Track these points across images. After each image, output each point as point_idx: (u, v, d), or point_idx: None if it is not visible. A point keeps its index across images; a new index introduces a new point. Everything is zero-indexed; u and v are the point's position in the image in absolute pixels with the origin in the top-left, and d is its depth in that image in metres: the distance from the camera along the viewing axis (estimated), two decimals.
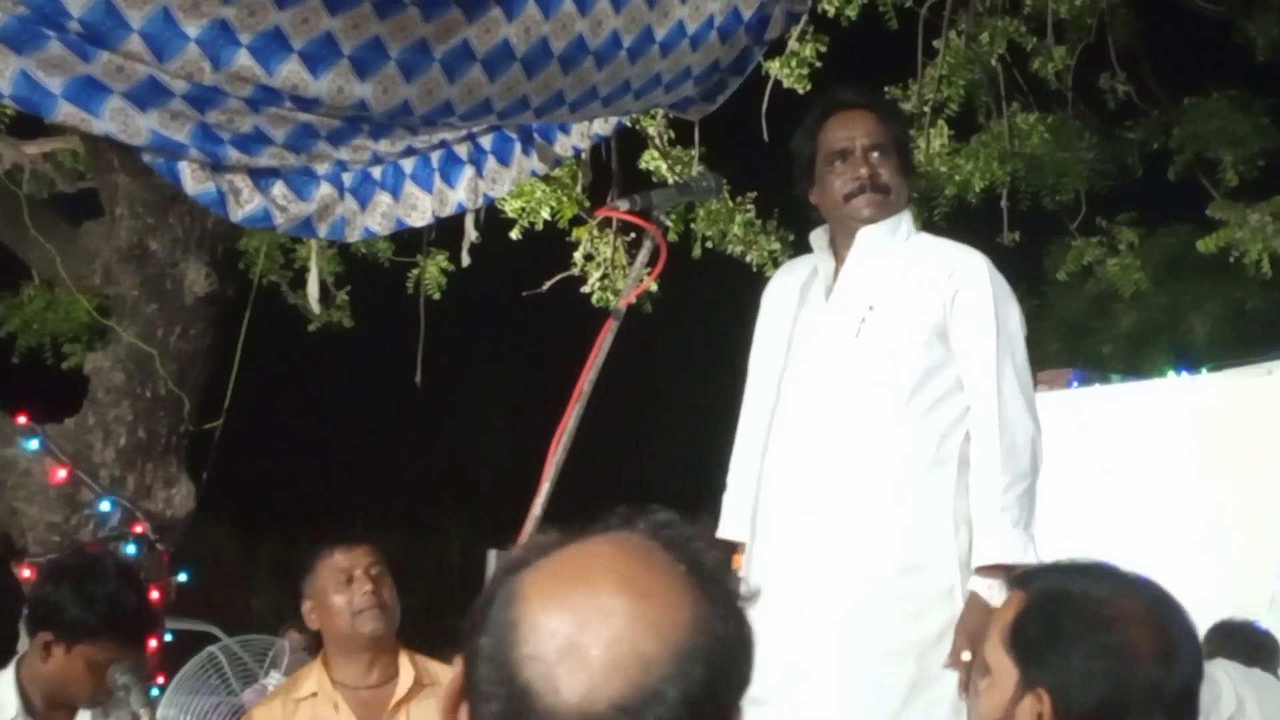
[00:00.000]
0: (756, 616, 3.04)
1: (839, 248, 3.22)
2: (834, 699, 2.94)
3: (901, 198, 3.22)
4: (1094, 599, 1.89)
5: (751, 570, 3.14)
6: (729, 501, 3.32)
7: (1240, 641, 5.11)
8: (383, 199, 4.00)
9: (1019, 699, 1.88)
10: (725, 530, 3.30)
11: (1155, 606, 1.90)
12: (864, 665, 2.95)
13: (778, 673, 2.95)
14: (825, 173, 3.19)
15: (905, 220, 3.23)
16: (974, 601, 2.92)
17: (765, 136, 7.23)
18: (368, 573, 3.29)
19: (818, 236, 3.27)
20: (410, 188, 4.06)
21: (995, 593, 2.89)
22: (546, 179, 8.07)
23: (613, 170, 7.91)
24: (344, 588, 3.28)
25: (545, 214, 8.57)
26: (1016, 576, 2.09)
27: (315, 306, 7.13)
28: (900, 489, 3.02)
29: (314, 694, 3.28)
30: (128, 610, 3.10)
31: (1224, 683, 4.87)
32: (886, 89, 8.67)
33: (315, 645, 5.92)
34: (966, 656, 2.87)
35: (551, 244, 8.92)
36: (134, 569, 3.85)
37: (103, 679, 3.09)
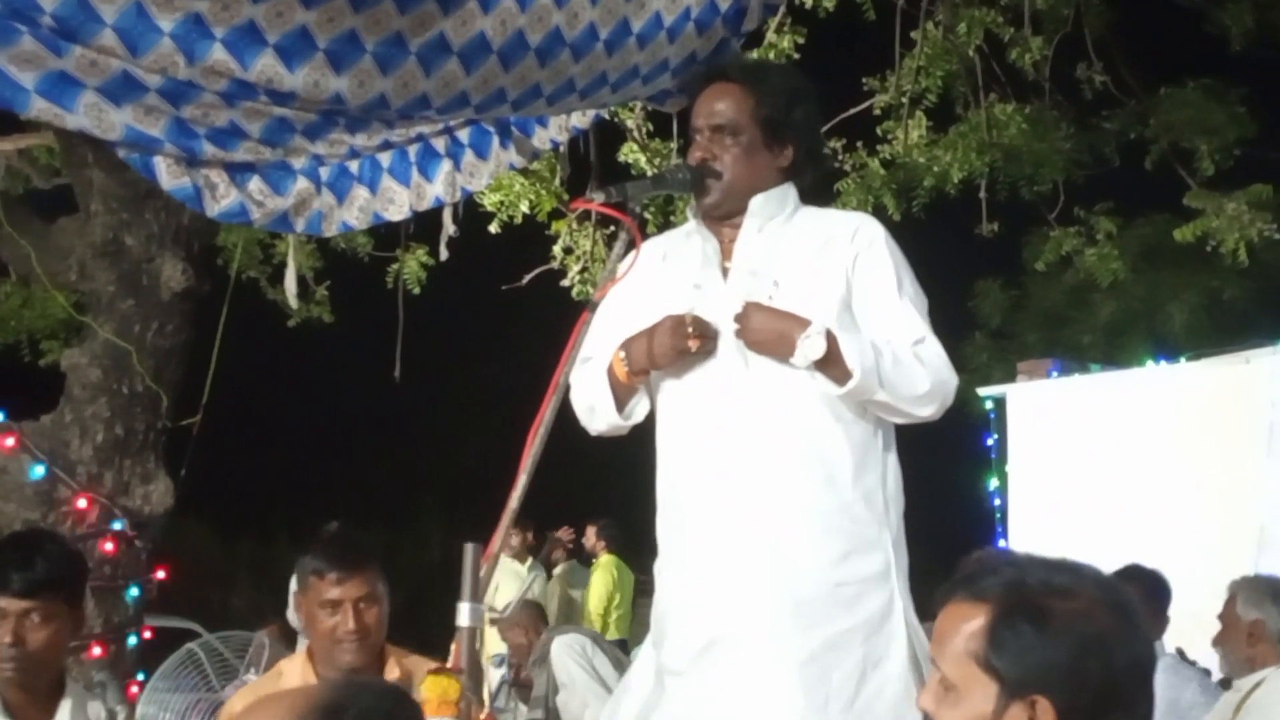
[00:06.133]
0: (678, 595, 3.00)
1: (719, 226, 3.10)
2: (778, 699, 2.86)
3: (745, 178, 3.04)
4: (1059, 593, 1.86)
5: (672, 558, 3.07)
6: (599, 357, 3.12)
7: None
8: (360, 193, 3.99)
9: (1002, 712, 1.83)
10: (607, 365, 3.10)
11: (1105, 586, 1.90)
12: (810, 660, 2.87)
13: (695, 647, 2.93)
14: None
15: (791, 191, 3.11)
16: (795, 321, 2.87)
17: None
18: (355, 605, 3.24)
19: (693, 210, 3.16)
20: (387, 182, 4.04)
21: (813, 341, 2.84)
22: (525, 172, 8.07)
23: (591, 163, 7.89)
24: (330, 615, 3.25)
25: (524, 207, 8.57)
26: (958, 584, 1.96)
27: (293, 302, 7.10)
28: (835, 471, 2.94)
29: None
30: (12, 563, 3.09)
31: None
32: (864, 80, 8.69)
33: (291, 640, 5.91)
34: (732, 326, 2.87)
35: (531, 237, 8.92)
36: (60, 538, 3.81)
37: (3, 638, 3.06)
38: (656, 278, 3.14)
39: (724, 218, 3.08)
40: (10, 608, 3.05)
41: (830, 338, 2.87)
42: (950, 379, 3.00)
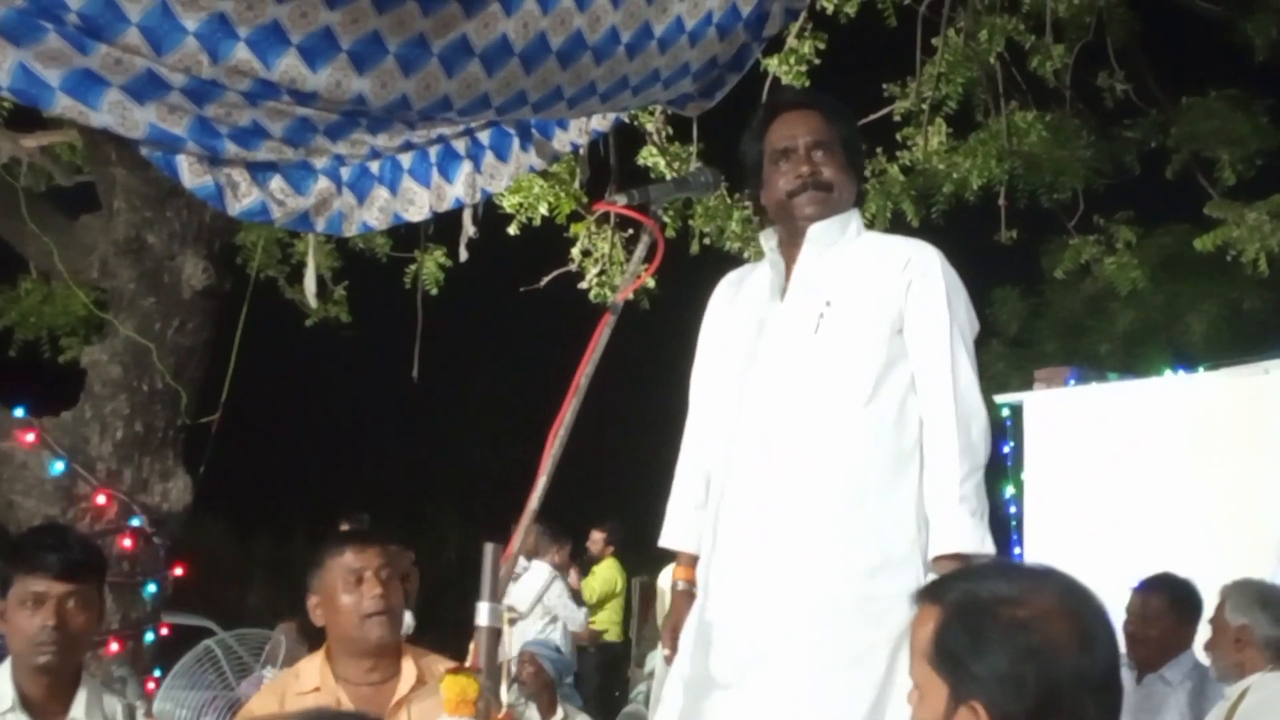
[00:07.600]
0: (718, 610, 3.07)
1: (789, 247, 3.21)
2: (797, 710, 2.91)
3: (846, 194, 3.20)
4: (1007, 601, 1.88)
5: (712, 571, 3.13)
6: (672, 510, 3.33)
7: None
8: (380, 193, 4.00)
9: (952, 714, 1.86)
10: (667, 539, 3.33)
11: (1066, 596, 1.91)
12: (831, 672, 2.92)
13: (739, 662, 2.98)
14: (770, 173, 3.21)
15: (855, 217, 3.23)
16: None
17: None
18: (378, 575, 3.24)
19: (767, 236, 3.28)
20: (408, 182, 4.06)
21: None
22: (544, 175, 8.08)
23: (611, 166, 7.90)
24: (354, 588, 3.23)
25: (543, 210, 8.57)
26: (924, 590, 2.05)
27: (312, 301, 7.12)
28: (866, 488, 3.00)
29: (316, 688, 3.25)
30: (35, 546, 3.14)
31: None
32: (884, 86, 8.68)
33: (309, 637, 5.92)
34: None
35: (549, 240, 8.92)
36: (79, 531, 3.84)
37: (26, 623, 3.07)
38: (734, 306, 3.31)
39: (799, 235, 3.18)
40: (52, 590, 3.08)
41: (960, 558, 2.92)
42: (983, 408, 3.08)
